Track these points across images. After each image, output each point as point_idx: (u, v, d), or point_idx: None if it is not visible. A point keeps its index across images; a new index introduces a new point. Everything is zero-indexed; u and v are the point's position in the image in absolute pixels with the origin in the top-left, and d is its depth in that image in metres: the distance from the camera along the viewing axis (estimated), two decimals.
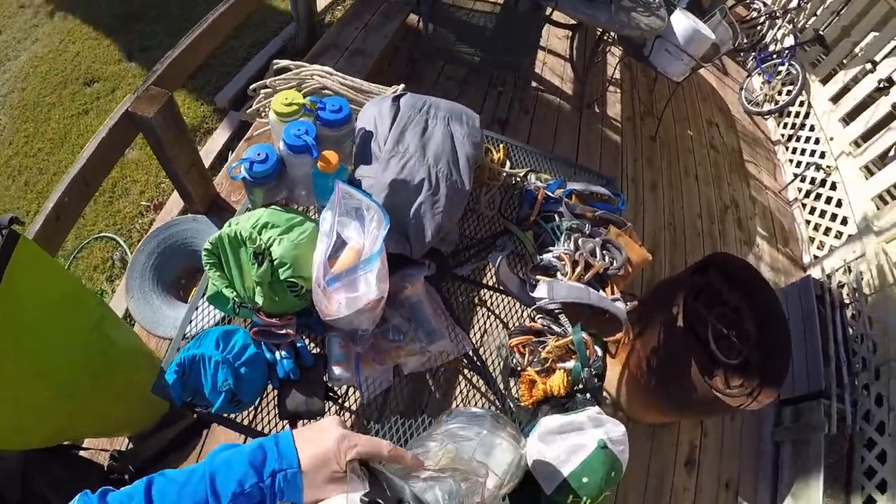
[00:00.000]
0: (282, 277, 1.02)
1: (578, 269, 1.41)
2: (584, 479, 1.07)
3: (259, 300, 1.03)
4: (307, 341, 1.15)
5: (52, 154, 3.06)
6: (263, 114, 1.51)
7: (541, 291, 1.37)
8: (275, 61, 1.61)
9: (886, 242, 3.02)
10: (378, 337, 1.12)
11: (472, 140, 1.28)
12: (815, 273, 3.33)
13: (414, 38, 3.33)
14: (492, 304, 1.48)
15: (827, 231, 3.56)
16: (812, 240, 3.67)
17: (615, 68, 3.60)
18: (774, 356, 2.29)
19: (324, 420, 0.64)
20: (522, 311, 1.45)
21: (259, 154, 1.14)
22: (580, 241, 1.48)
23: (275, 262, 1.02)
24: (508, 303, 1.46)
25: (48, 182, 2.92)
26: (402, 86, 1.50)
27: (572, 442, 1.13)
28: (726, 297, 2.49)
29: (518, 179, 1.56)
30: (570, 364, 1.30)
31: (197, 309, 1.26)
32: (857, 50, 3.87)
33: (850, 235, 3.32)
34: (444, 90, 3.25)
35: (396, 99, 1.30)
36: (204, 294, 1.26)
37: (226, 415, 1.14)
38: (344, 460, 0.60)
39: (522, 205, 1.51)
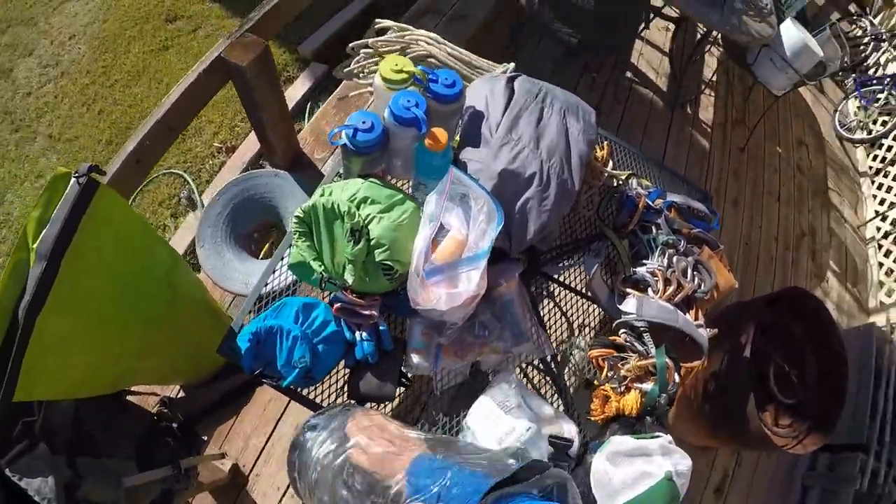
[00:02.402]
0: (377, 259, 0.97)
1: (671, 289, 1.32)
2: None
3: (349, 279, 0.98)
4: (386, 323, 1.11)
5: (128, 87, 3.07)
6: (362, 75, 1.45)
7: (629, 306, 1.29)
8: (377, 20, 1.53)
9: None
10: (463, 331, 1.06)
11: (588, 138, 1.19)
12: (879, 321, 3.14)
13: (516, 9, 3.17)
14: (573, 307, 1.41)
15: None
16: (882, 284, 3.44)
17: (714, 71, 3.38)
18: (829, 405, 2.17)
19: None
20: (601, 320, 1.38)
21: (364, 122, 1.06)
22: (674, 259, 1.39)
23: (372, 242, 0.97)
24: (588, 309, 1.39)
25: (122, 113, 2.94)
26: (513, 65, 1.41)
27: (639, 468, 1.11)
28: (793, 332, 2.37)
29: (620, 182, 1.46)
30: (647, 386, 1.24)
31: (274, 272, 1.23)
32: None
33: None
34: (538, 69, 3.10)
35: (511, 80, 1.21)
36: (283, 259, 1.24)
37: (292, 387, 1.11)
38: None
39: (621, 210, 1.42)
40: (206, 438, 1.62)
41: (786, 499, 2.74)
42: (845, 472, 2.63)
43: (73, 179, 1.00)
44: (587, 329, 1.39)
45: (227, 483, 1.78)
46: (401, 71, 1.13)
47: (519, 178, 1.07)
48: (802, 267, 3.33)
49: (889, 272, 3.43)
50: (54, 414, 1.12)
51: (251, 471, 1.89)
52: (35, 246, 0.95)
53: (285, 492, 1.78)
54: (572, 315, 1.40)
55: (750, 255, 3.17)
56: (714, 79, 3.34)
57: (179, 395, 1.75)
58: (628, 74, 3.28)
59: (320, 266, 1.01)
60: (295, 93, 2.83)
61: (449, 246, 0.97)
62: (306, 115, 2.80)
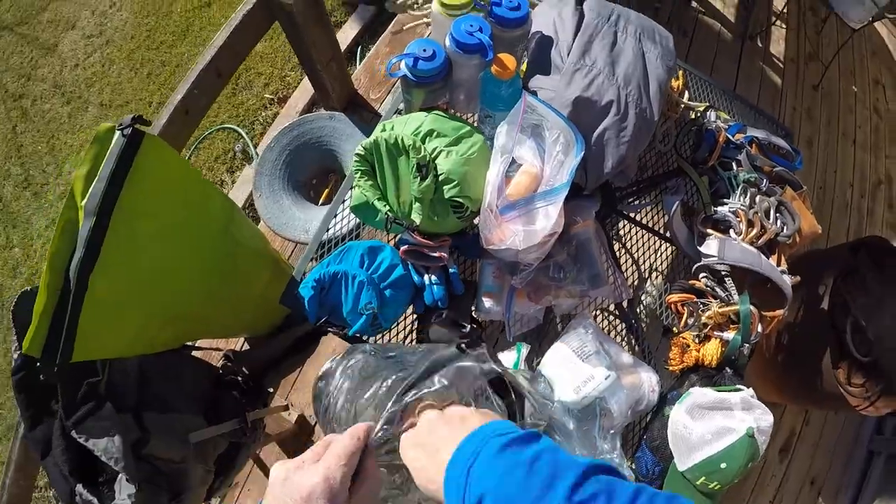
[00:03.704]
0: (447, 196, 0.91)
1: (754, 231, 1.22)
2: (723, 465, 1.01)
3: (416, 218, 0.92)
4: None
5: (173, 47, 3.05)
6: (416, 6, 1.36)
7: (710, 248, 1.20)
8: None
9: None
10: (538, 272, 1.00)
11: (666, 63, 1.08)
12: None
13: None
14: (646, 248, 1.33)
15: None
16: None
17: (786, 1, 3.10)
18: None
19: (270, 486, 0.52)
20: (676, 262, 1.29)
21: (424, 50, 0.99)
22: (756, 199, 1.28)
23: (440, 178, 0.91)
24: (663, 249, 1.30)
25: (170, 74, 2.94)
26: None
27: (720, 423, 1.05)
28: (871, 285, 2.20)
29: (697, 114, 1.34)
30: (729, 335, 1.17)
31: (335, 216, 1.19)
32: None
33: None
34: None
35: (580, 2, 1.10)
36: (344, 202, 1.20)
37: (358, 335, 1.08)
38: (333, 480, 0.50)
39: (700, 145, 1.31)
40: (271, 390, 1.63)
41: (850, 463, 2.62)
42: None
43: (117, 132, 0.96)
44: (661, 271, 1.31)
45: (293, 434, 1.80)
46: None
47: (595, 107, 0.98)
48: (878, 216, 3.09)
49: None
50: (119, 372, 1.09)
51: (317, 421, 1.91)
52: (83, 203, 0.91)
53: None
54: (646, 256, 1.31)
55: (824, 202, 2.96)
56: (785, 10, 3.05)
57: (243, 349, 1.76)
58: (693, 4, 3.05)
59: (385, 206, 0.96)
60: (345, 37, 2.70)
61: (523, 181, 0.90)
62: (357, 58, 2.68)
